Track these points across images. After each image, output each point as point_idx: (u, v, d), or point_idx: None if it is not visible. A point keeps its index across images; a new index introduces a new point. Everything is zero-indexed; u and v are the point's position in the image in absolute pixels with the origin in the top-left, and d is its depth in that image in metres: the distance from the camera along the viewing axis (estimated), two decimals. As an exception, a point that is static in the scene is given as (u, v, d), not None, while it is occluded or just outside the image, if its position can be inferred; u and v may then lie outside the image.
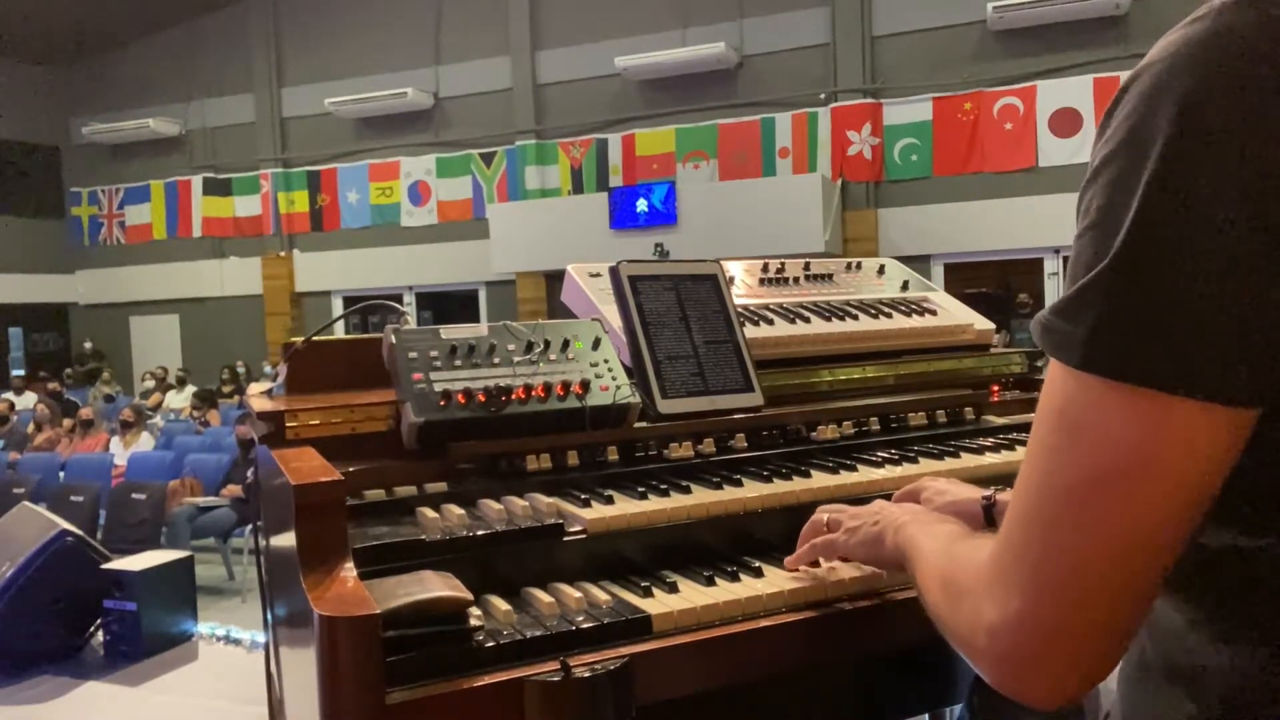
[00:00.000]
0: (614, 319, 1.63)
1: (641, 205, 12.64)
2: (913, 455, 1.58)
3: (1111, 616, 0.70)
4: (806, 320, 1.86)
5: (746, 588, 1.20)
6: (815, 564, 1.26)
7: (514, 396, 1.43)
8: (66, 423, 10.40)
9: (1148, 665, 0.80)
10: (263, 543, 1.66)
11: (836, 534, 1.20)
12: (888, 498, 1.45)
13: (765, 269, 2.05)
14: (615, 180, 13.92)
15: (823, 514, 1.25)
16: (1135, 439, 0.66)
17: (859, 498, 1.43)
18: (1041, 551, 0.71)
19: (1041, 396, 0.74)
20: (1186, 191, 0.64)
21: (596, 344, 1.55)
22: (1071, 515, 0.69)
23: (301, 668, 1.10)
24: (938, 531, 1.01)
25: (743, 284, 1.99)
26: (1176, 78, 0.66)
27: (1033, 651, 0.71)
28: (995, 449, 1.63)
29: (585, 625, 1.09)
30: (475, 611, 1.07)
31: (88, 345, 17.18)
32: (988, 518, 1.27)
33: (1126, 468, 0.67)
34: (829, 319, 1.88)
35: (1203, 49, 0.66)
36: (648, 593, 1.18)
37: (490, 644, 1.04)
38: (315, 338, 1.59)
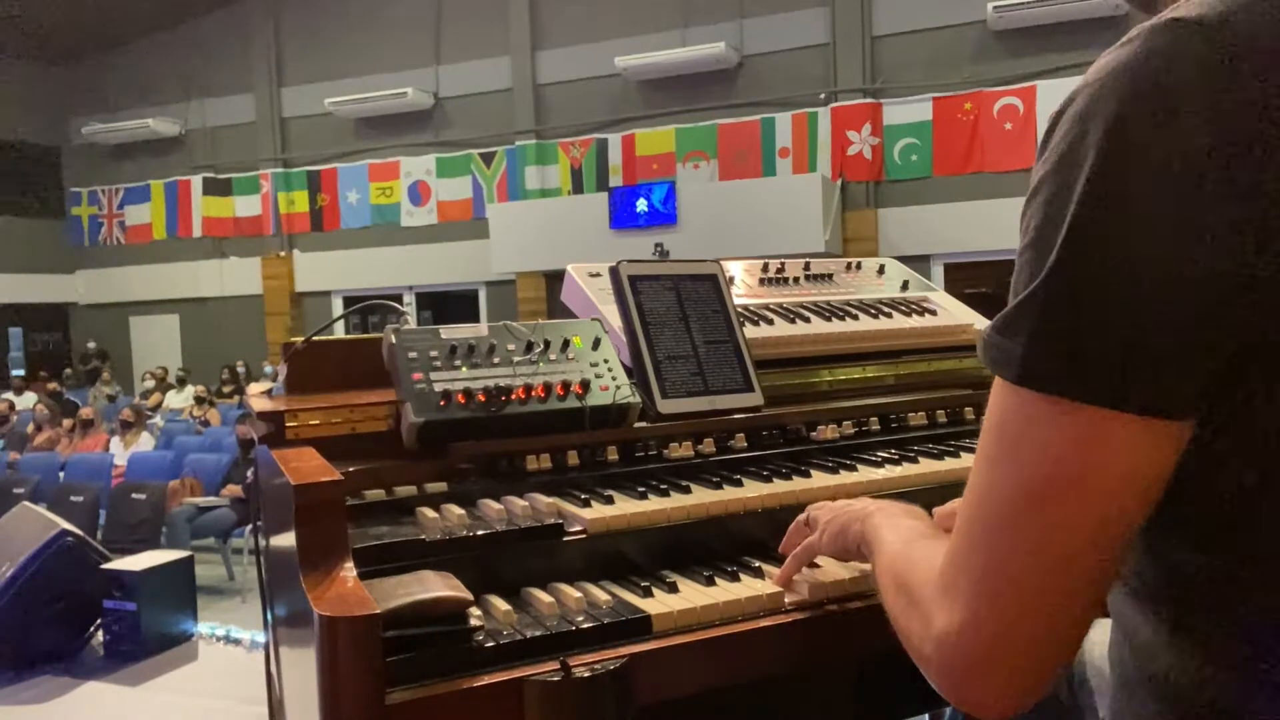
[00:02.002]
0: (614, 319, 1.63)
1: (641, 205, 12.64)
2: (913, 455, 1.58)
3: (1051, 627, 0.71)
4: (806, 320, 1.86)
5: (746, 588, 1.20)
6: (814, 563, 1.26)
7: (514, 396, 1.43)
8: (66, 423, 10.39)
9: (1128, 677, 0.81)
10: (263, 543, 1.66)
11: (814, 536, 1.20)
12: (888, 498, 1.45)
13: (765, 269, 2.05)
14: (615, 180, 13.92)
15: (804, 515, 1.25)
16: (1070, 452, 0.68)
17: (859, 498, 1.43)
18: (984, 562, 0.72)
19: (986, 411, 0.75)
20: (1114, 210, 0.66)
21: (596, 344, 1.55)
22: (1010, 527, 0.71)
23: (301, 668, 1.10)
24: (901, 528, 1.01)
25: (743, 284, 1.98)
26: (1105, 100, 0.68)
27: (975, 661, 0.72)
28: (995, 449, 1.63)
29: (585, 625, 1.09)
30: (475, 611, 1.07)
31: (90, 345, 17.18)
32: None
33: (1062, 480, 0.68)
34: (829, 319, 1.88)
35: (1130, 72, 0.68)
36: (648, 593, 1.18)
37: (490, 644, 1.04)
38: (315, 338, 1.59)
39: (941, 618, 0.74)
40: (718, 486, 1.41)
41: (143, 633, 2.28)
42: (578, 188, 14.34)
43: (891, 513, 1.08)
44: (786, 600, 1.19)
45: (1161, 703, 0.76)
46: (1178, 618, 0.75)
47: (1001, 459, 0.72)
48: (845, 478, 1.47)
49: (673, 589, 1.19)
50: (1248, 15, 0.66)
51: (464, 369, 1.44)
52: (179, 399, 13.27)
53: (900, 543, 0.96)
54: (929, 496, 1.37)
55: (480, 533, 1.21)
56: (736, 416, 1.60)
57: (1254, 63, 0.64)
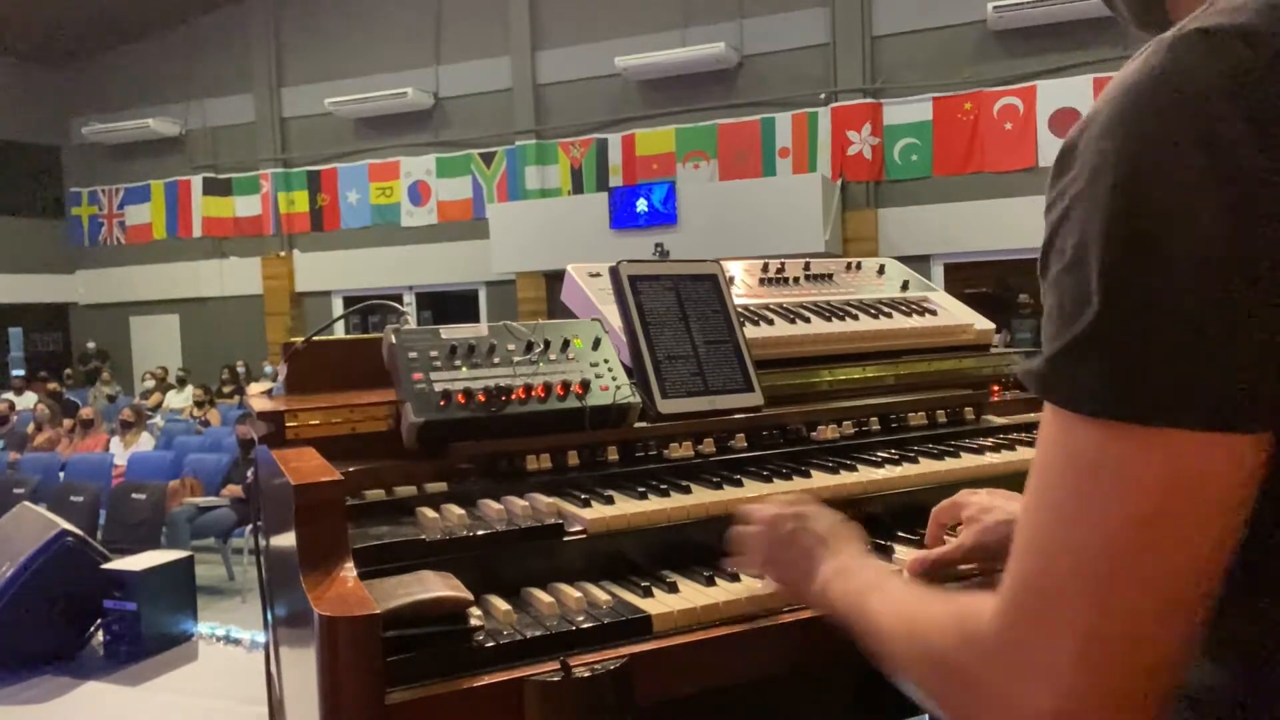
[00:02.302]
0: (614, 319, 1.63)
1: (641, 205, 12.64)
2: (913, 455, 1.58)
3: (1169, 675, 0.67)
4: (806, 320, 1.86)
5: (746, 588, 1.20)
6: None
7: (514, 396, 1.43)
8: (67, 423, 10.40)
9: None
10: (263, 543, 1.66)
11: (752, 558, 1.16)
12: (889, 498, 1.45)
13: (765, 269, 2.05)
14: (615, 180, 13.93)
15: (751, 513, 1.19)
16: (1168, 479, 0.64)
17: (859, 498, 1.43)
18: (1090, 616, 0.65)
19: (1044, 448, 0.70)
20: (1160, 226, 0.64)
21: (596, 344, 1.55)
22: (1119, 569, 0.65)
23: (301, 668, 1.10)
24: (885, 592, 0.93)
25: (743, 284, 1.98)
26: (1136, 112, 0.66)
27: None
28: (995, 449, 1.63)
29: (585, 625, 1.09)
30: (475, 611, 1.07)
31: (91, 345, 17.19)
32: None
33: (1165, 510, 0.64)
34: (829, 319, 1.88)
35: (1158, 85, 0.65)
36: (648, 593, 1.18)
37: (490, 644, 1.04)
38: (315, 338, 1.59)
39: (1042, 692, 0.66)
40: (718, 486, 1.41)
41: (143, 633, 2.28)
42: (578, 188, 14.35)
43: (851, 571, 1.01)
44: (785, 601, 1.19)
45: (1193, 711, 0.74)
46: (1214, 624, 0.72)
47: (1088, 498, 0.66)
48: (845, 478, 1.47)
49: (673, 589, 1.19)
50: (1270, 24, 0.64)
51: (464, 369, 1.44)
52: (179, 399, 13.27)
53: (898, 609, 0.88)
54: (929, 496, 1.38)
55: (480, 533, 1.21)
56: (736, 416, 1.60)
57: (1278, 73, 0.63)
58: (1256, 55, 0.64)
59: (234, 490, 7.41)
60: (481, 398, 1.41)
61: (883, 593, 0.94)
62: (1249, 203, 0.62)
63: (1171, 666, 0.66)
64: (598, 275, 1.80)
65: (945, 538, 1.31)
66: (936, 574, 1.23)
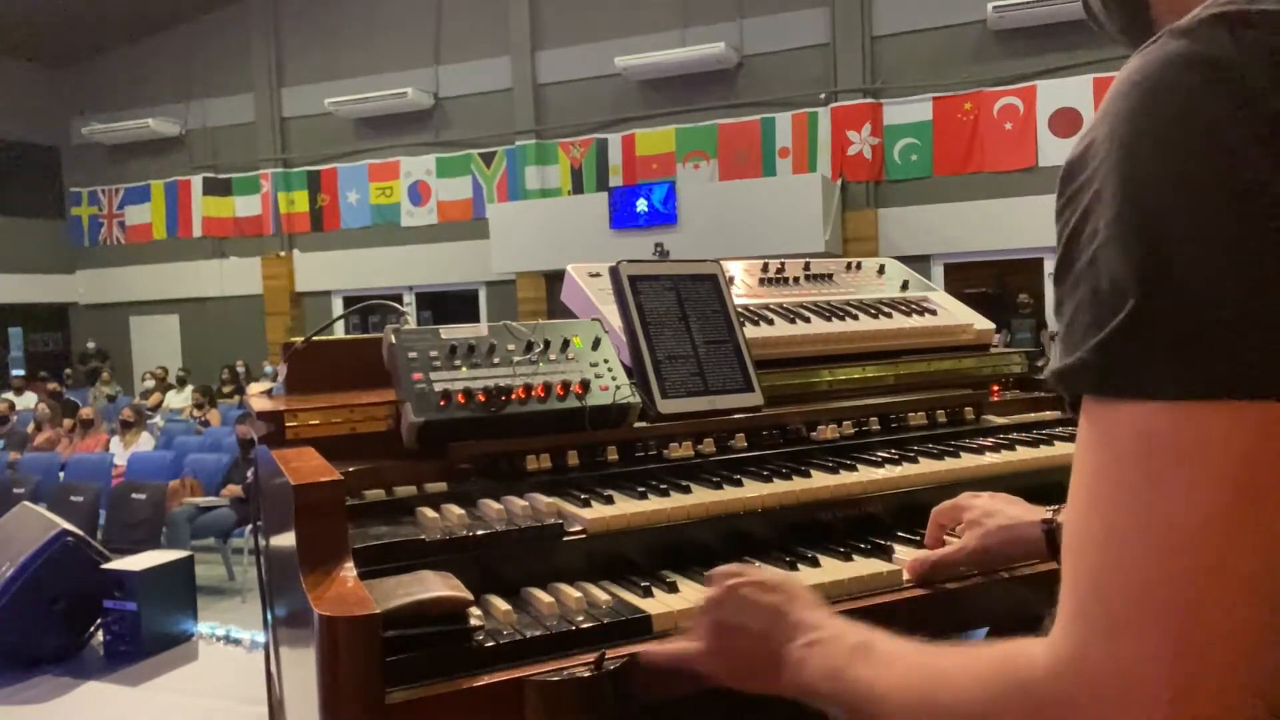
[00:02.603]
0: (614, 319, 1.63)
1: (641, 205, 12.64)
2: (913, 455, 1.58)
3: (1263, 670, 0.59)
4: (806, 320, 1.86)
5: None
6: (793, 567, 1.25)
7: (514, 396, 1.43)
8: (66, 423, 10.40)
9: None
10: (263, 543, 1.66)
11: (698, 646, 0.98)
12: (888, 498, 1.45)
13: (765, 269, 2.05)
14: (615, 180, 13.93)
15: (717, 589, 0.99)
16: (1253, 455, 0.59)
17: (859, 498, 1.43)
18: (1180, 618, 0.58)
19: (1092, 454, 0.65)
20: (1200, 200, 0.61)
21: (596, 344, 1.55)
22: (1210, 560, 0.59)
23: (301, 668, 1.10)
24: (875, 659, 0.81)
25: (743, 284, 1.99)
26: (1157, 98, 0.64)
27: None
28: (995, 449, 1.63)
29: (585, 625, 1.09)
30: (475, 611, 1.07)
31: (91, 345, 17.19)
32: (1050, 543, 1.14)
33: (1256, 489, 0.59)
34: (829, 319, 1.88)
35: (1179, 71, 0.64)
36: (648, 593, 1.18)
37: (490, 644, 1.04)
38: (315, 338, 1.59)
39: (1137, 716, 0.59)
40: (718, 486, 1.41)
41: (143, 633, 2.28)
42: (578, 188, 14.35)
43: (829, 649, 0.86)
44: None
45: None
46: None
47: (1166, 488, 0.60)
48: (845, 477, 1.47)
49: (673, 589, 1.19)
50: None
51: (464, 369, 1.44)
52: (179, 399, 13.28)
53: (906, 673, 0.77)
54: (929, 496, 1.38)
55: (480, 533, 1.21)
56: (736, 416, 1.59)
57: None
58: (1269, 44, 0.62)
59: (234, 490, 7.41)
60: (481, 398, 1.41)
61: (879, 660, 0.81)
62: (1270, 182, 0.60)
63: (1266, 667, 0.59)
64: (598, 275, 1.80)
65: (946, 539, 1.31)
66: (937, 576, 1.23)
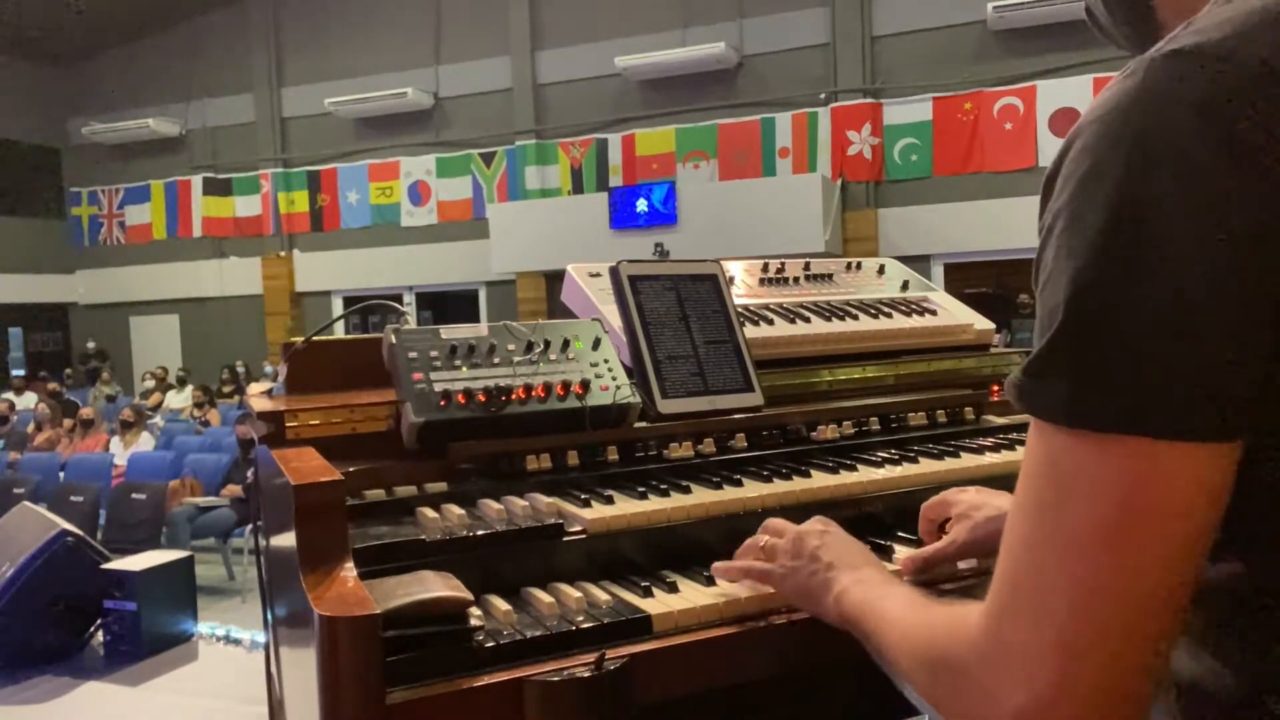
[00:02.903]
0: (614, 319, 1.63)
1: (641, 205, 12.64)
2: (913, 455, 1.58)
3: (1142, 677, 0.69)
4: (806, 320, 1.86)
5: (747, 588, 1.20)
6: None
7: (514, 396, 1.43)
8: (66, 423, 10.40)
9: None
10: (263, 543, 1.66)
11: (772, 567, 1.15)
12: (888, 498, 1.45)
13: (765, 269, 2.05)
14: (615, 180, 13.93)
15: (761, 536, 1.21)
16: (1135, 486, 0.66)
17: (859, 498, 1.43)
18: (1063, 618, 0.68)
19: (1026, 455, 0.73)
20: (1134, 239, 0.66)
21: (596, 344, 1.55)
22: (1090, 574, 0.67)
23: (301, 668, 1.10)
24: (895, 598, 0.97)
25: (743, 284, 1.98)
26: (1112, 135, 0.68)
27: None
28: (995, 449, 1.63)
29: (585, 625, 1.09)
30: (475, 611, 1.07)
31: (91, 345, 17.19)
32: None
33: (1135, 516, 0.66)
34: (829, 319, 1.88)
35: (1133, 108, 0.67)
36: (648, 593, 1.18)
37: (490, 644, 1.04)
38: (315, 338, 1.59)
39: (1017, 690, 0.69)
40: (718, 486, 1.41)
41: (143, 633, 2.28)
42: (578, 188, 14.35)
43: (871, 582, 1.04)
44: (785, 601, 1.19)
45: (1180, 706, 0.75)
46: (1201, 626, 0.74)
47: (1061, 506, 0.69)
48: (845, 477, 1.47)
49: (673, 589, 1.19)
50: (1248, 43, 0.65)
51: (464, 369, 1.44)
52: (179, 399, 13.28)
53: (904, 614, 0.91)
54: (929, 496, 1.38)
55: (480, 533, 1.21)
56: (736, 416, 1.59)
57: (1253, 91, 0.64)
58: (1230, 77, 0.65)
59: (234, 490, 7.41)
60: (481, 398, 1.41)
61: (894, 598, 0.97)
62: (1218, 224, 0.64)
63: (1144, 667, 0.68)
64: (598, 275, 1.80)
65: (941, 534, 1.31)
66: (931, 571, 1.25)
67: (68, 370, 16.55)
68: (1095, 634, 0.67)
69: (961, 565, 1.27)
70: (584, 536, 1.26)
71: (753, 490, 1.39)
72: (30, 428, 10.65)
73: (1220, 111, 0.64)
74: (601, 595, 1.17)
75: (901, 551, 1.32)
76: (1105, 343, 0.67)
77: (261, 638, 2.17)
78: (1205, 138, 0.64)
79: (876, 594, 1.00)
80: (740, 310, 1.74)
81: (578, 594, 1.16)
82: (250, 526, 2.65)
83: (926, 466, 1.53)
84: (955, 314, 2.02)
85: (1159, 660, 0.69)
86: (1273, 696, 0.71)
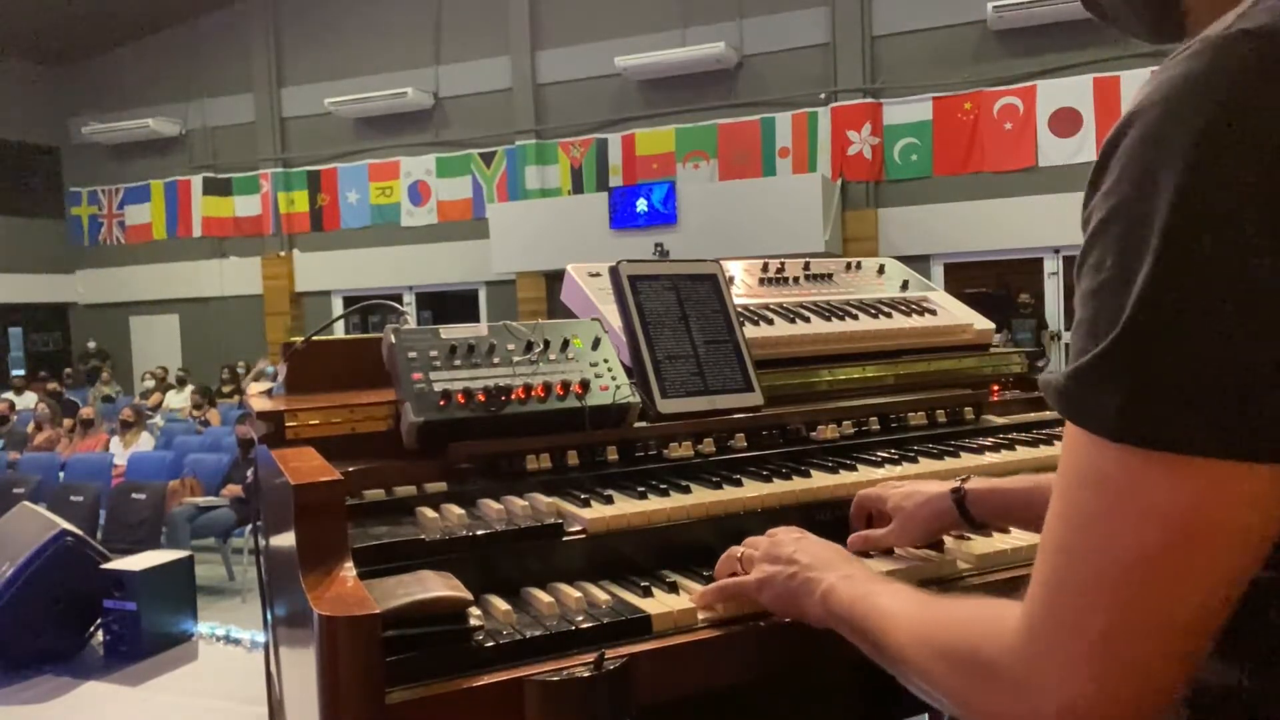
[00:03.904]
0: (614, 319, 1.63)
1: (641, 205, 12.64)
2: (913, 455, 1.58)
3: (1178, 684, 0.68)
4: (806, 320, 1.86)
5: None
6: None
7: (514, 396, 1.43)
8: (66, 423, 10.40)
9: None
10: (263, 543, 1.66)
11: (748, 579, 1.13)
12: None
13: (765, 269, 2.05)
14: (615, 180, 13.93)
15: (738, 549, 1.19)
16: (1191, 506, 0.63)
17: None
18: (1109, 629, 0.66)
19: (1068, 462, 0.70)
20: (1207, 241, 0.61)
21: (596, 344, 1.55)
22: (1140, 590, 0.65)
23: (301, 668, 1.10)
24: (894, 594, 0.96)
25: (743, 284, 1.98)
26: (1180, 123, 0.63)
27: None
28: (995, 449, 1.63)
29: (585, 625, 1.09)
30: (475, 611, 1.07)
31: (91, 345, 17.19)
32: (961, 510, 1.26)
33: (1188, 537, 0.64)
34: (829, 319, 1.88)
35: (1205, 88, 0.62)
36: (647, 593, 1.18)
37: (490, 644, 1.04)
38: (315, 338, 1.59)
39: (1059, 692, 0.68)
40: (718, 486, 1.41)
41: (143, 633, 2.28)
42: (578, 188, 14.35)
43: (857, 579, 1.03)
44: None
45: (1192, 709, 0.75)
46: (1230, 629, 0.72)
47: (1111, 519, 0.66)
48: (845, 477, 1.47)
49: (672, 589, 1.19)
50: None
51: (464, 369, 1.44)
52: (179, 399, 13.28)
53: (914, 610, 0.90)
54: (929, 496, 1.37)
55: (480, 533, 1.21)
56: (736, 416, 1.59)
57: None
58: None
59: (234, 490, 7.41)
60: (481, 398, 1.41)
61: (892, 594, 0.96)
62: None
63: (1175, 682, 0.68)
64: (598, 275, 1.80)
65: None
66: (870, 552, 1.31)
67: (68, 370, 16.55)
68: (1133, 650, 0.66)
69: (898, 551, 1.31)
70: (584, 536, 1.26)
71: (753, 490, 1.39)
72: (30, 428, 10.65)
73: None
74: (601, 595, 1.17)
75: (901, 551, 1.32)
76: (1168, 355, 0.62)
77: (261, 638, 2.17)
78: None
79: (870, 590, 0.99)
80: (740, 310, 1.74)
81: (577, 594, 1.16)
82: (250, 526, 2.65)
83: (926, 466, 1.53)
84: (955, 314, 2.02)
85: (1190, 675, 0.69)
86: (1258, 687, 0.70)
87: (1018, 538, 1.34)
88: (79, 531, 2.32)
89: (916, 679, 0.86)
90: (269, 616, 1.73)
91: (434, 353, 1.45)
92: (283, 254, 16.29)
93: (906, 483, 1.35)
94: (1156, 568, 0.65)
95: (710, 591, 1.16)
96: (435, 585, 1.04)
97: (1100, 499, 0.67)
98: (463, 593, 1.04)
